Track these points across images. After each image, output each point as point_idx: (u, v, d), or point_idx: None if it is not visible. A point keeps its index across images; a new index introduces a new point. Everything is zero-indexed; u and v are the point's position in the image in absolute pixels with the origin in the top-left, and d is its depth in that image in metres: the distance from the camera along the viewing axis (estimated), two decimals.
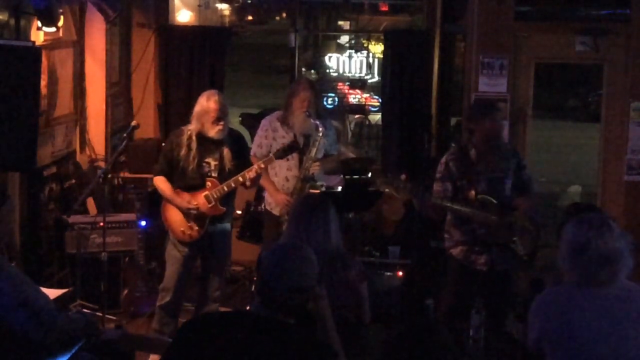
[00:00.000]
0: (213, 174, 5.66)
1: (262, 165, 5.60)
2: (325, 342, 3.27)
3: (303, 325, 3.18)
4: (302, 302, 3.14)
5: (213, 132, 5.59)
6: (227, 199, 5.74)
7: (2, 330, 3.44)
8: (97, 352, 3.81)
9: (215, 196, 5.62)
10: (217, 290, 5.90)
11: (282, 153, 5.66)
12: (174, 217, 5.71)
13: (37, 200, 6.36)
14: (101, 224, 6.13)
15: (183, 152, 5.62)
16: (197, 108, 5.63)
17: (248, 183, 5.62)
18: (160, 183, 5.72)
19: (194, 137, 5.62)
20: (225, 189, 5.61)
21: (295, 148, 5.72)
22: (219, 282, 5.91)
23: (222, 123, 5.58)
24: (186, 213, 5.65)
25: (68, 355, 3.64)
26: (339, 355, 3.27)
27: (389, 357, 2.86)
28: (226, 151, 5.66)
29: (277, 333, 2.98)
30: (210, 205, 5.63)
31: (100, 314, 5.90)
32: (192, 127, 5.64)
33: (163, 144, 6.11)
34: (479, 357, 4.32)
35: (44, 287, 4.00)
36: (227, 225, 5.90)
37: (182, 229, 5.68)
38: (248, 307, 5.95)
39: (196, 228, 5.68)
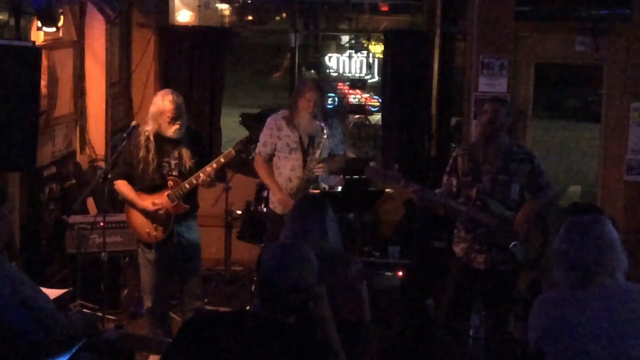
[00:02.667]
0: (173, 173, 5.62)
1: (222, 160, 5.55)
2: (325, 342, 3.27)
3: (303, 325, 3.18)
4: (302, 302, 3.14)
5: (170, 131, 5.55)
6: (190, 196, 5.71)
7: (2, 330, 3.44)
8: (97, 352, 3.81)
9: (178, 194, 5.59)
10: (198, 288, 5.88)
11: (242, 146, 5.63)
12: (139, 220, 5.68)
13: (37, 200, 6.37)
14: (101, 224, 6.13)
15: (142, 153, 5.57)
16: (153, 108, 5.59)
17: (205, 178, 5.52)
18: (122, 187, 5.67)
19: (151, 138, 5.57)
20: (187, 186, 5.58)
21: (253, 141, 5.67)
22: (197, 281, 5.88)
23: (178, 122, 5.53)
24: (151, 214, 5.63)
25: (68, 355, 3.64)
26: (339, 355, 3.27)
27: (389, 357, 2.86)
28: (184, 150, 5.62)
29: (277, 333, 2.98)
30: (173, 204, 5.61)
31: (100, 314, 5.90)
32: (148, 128, 5.59)
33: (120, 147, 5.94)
34: (479, 357, 4.32)
35: (44, 287, 4.00)
36: (193, 223, 5.84)
37: (147, 230, 5.65)
38: (248, 307, 5.97)
39: (161, 228, 5.65)
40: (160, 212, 5.60)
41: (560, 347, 3.37)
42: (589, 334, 3.33)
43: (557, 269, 3.48)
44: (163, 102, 5.53)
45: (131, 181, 5.66)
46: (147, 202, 5.61)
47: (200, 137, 5.96)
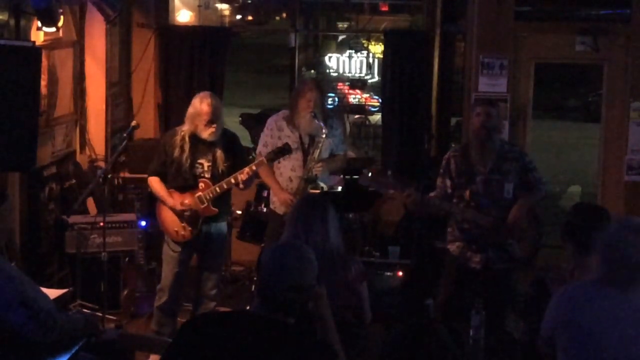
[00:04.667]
0: (206, 175, 5.66)
1: (254, 168, 5.58)
2: (325, 342, 3.27)
3: (303, 325, 3.18)
4: (302, 302, 3.13)
5: (206, 134, 5.59)
6: (222, 199, 5.73)
7: (2, 330, 3.44)
8: (97, 352, 3.82)
9: (208, 197, 5.62)
10: (213, 289, 5.89)
11: (274, 155, 5.66)
12: (168, 218, 5.72)
13: (37, 200, 6.36)
14: (101, 224, 6.13)
15: (176, 152, 5.62)
16: (191, 110, 5.63)
17: (241, 185, 5.60)
18: (154, 183, 5.74)
19: (187, 138, 5.62)
20: (218, 190, 5.61)
21: (287, 151, 5.68)
22: (215, 281, 5.90)
23: (214, 125, 5.58)
24: (179, 213, 5.66)
25: (68, 355, 3.64)
26: (339, 355, 3.27)
27: (389, 357, 2.86)
28: (219, 152, 5.66)
29: (277, 333, 2.98)
30: (203, 206, 5.64)
31: (100, 314, 5.90)
32: (185, 128, 5.65)
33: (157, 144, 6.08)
34: (479, 357, 4.32)
35: (44, 287, 4.00)
36: (222, 225, 5.88)
37: (175, 229, 5.69)
38: (248, 307, 5.96)
39: (189, 228, 5.68)
40: (187, 213, 5.63)
41: (577, 339, 3.38)
42: (612, 333, 3.34)
43: (602, 263, 3.47)
44: (201, 104, 5.58)
45: (164, 179, 5.71)
46: (176, 201, 5.65)
47: (236, 140, 5.94)
